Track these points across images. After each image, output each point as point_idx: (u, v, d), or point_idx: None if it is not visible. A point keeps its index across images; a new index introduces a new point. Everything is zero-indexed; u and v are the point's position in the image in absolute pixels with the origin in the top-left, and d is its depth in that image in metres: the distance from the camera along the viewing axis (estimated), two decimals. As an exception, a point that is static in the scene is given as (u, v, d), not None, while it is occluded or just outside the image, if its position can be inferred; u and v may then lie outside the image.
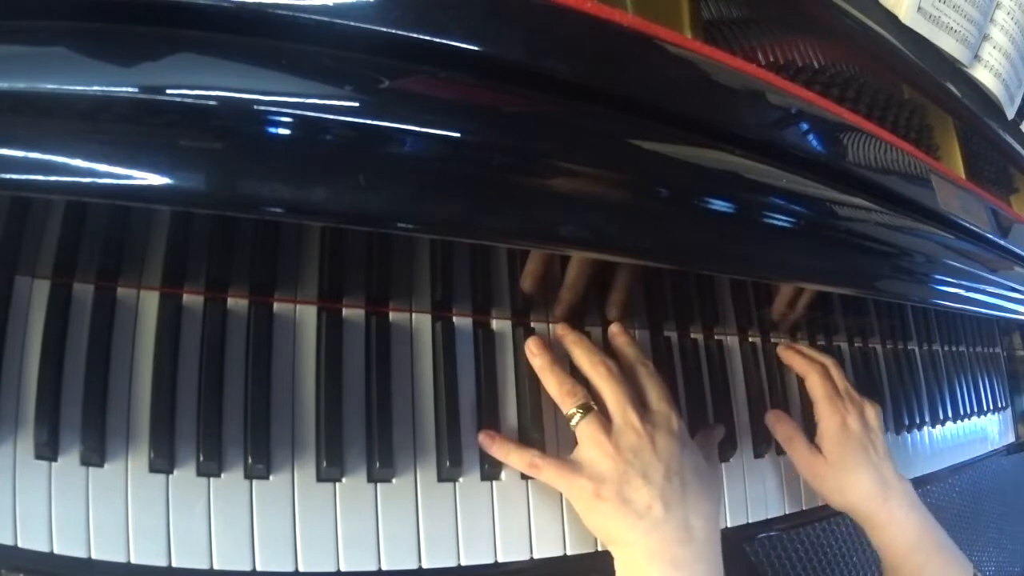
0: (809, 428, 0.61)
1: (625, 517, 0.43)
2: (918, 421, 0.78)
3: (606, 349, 0.52)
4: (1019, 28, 0.59)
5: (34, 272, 0.37)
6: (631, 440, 0.45)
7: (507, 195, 0.31)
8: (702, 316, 0.60)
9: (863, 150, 0.48)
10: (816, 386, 0.61)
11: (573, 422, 0.46)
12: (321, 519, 0.41)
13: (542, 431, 0.48)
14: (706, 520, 0.45)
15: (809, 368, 0.62)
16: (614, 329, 0.52)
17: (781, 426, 0.60)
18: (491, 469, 0.46)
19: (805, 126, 0.44)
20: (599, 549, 0.48)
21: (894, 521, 0.56)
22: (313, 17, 0.27)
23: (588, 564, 0.47)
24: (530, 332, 0.50)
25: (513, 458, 0.45)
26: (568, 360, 0.50)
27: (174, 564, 0.37)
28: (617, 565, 0.45)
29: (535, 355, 0.48)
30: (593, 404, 0.46)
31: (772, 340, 0.66)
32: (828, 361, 0.63)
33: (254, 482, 0.39)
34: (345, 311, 0.44)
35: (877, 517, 0.56)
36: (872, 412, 0.60)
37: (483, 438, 0.46)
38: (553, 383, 0.47)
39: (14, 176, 0.24)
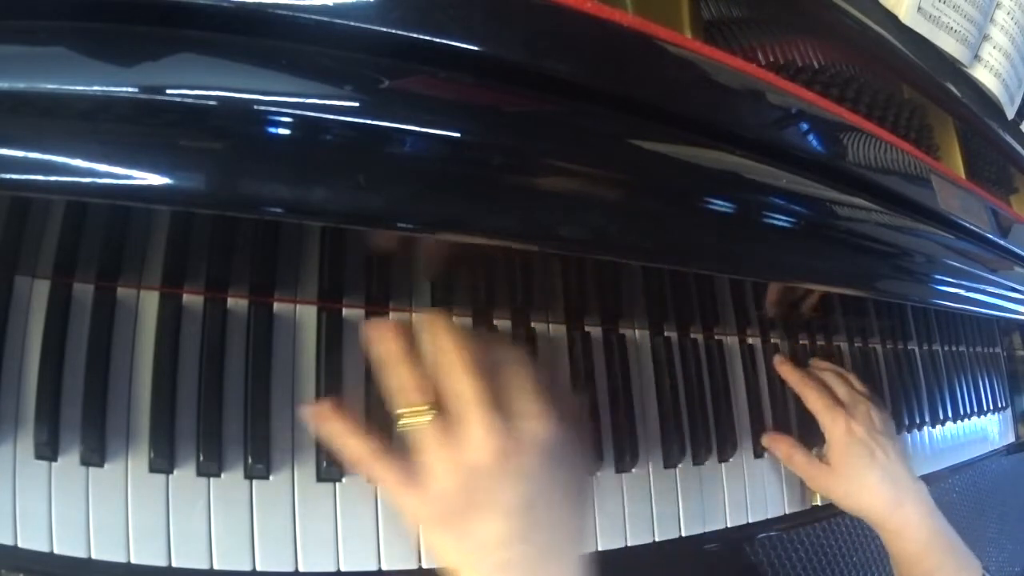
0: (813, 429, 0.61)
1: (467, 552, 0.35)
2: (918, 421, 0.78)
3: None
4: (1019, 28, 0.59)
5: (34, 272, 0.37)
6: (481, 457, 0.35)
7: (507, 195, 0.31)
8: (702, 316, 0.60)
9: (863, 150, 0.47)
10: (813, 400, 0.60)
11: (409, 421, 0.36)
12: (321, 519, 0.41)
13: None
14: (571, 548, 0.38)
15: (803, 384, 0.61)
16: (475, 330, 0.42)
17: (779, 445, 0.60)
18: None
19: (805, 126, 0.44)
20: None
21: (908, 526, 0.55)
22: (313, 17, 0.27)
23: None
24: (530, 332, 0.50)
25: (351, 444, 0.36)
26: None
27: (174, 564, 0.37)
28: None
29: (384, 340, 0.37)
30: (440, 405, 0.36)
31: (772, 340, 0.66)
32: (824, 375, 0.62)
33: (254, 482, 0.39)
34: (345, 311, 0.44)
35: (890, 523, 0.56)
36: (877, 414, 0.59)
37: (323, 408, 0.37)
38: (399, 374, 0.37)
39: (14, 176, 0.24)
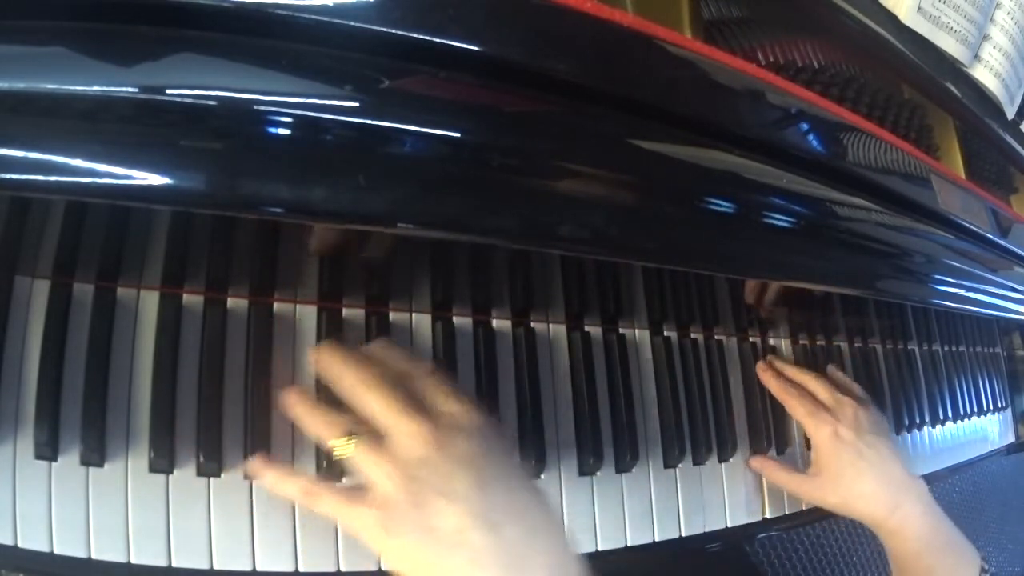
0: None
1: (434, 551, 0.33)
2: (918, 421, 0.78)
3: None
4: (1019, 28, 0.59)
5: (34, 272, 0.37)
6: (415, 450, 0.34)
7: (507, 195, 0.31)
8: (702, 316, 0.60)
9: (863, 150, 0.48)
10: (795, 408, 0.59)
11: (341, 452, 0.36)
12: (321, 519, 0.40)
13: (542, 431, 0.48)
14: (554, 533, 0.36)
15: (784, 392, 0.60)
16: (372, 346, 0.41)
17: (763, 468, 0.59)
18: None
19: (805, 126, 0.44)
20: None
21: (906, 526, 0.54)
22: (313, 17, 0.27)
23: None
24: (530, 332, 0.50)
25: (287, 487, 0.37)
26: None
27: (174, 564, 0.37)
28: None
29: (292, 405, 0.38)
30: (361, 427, 0.36)
31: (771, 340, 0.66)
32: (805, 379, 0.61)
33: (254, 482, 0.39)
34: (345, 311, 0.44)
35: (887, 524, 0.55)
36: (865, 414, 0.58)
37: (254, 465, 0.38)
38: (312, 424, 0.37)
39: (14, 176, 0.24)
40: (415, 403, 0.37)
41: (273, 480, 0.37)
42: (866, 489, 0.55)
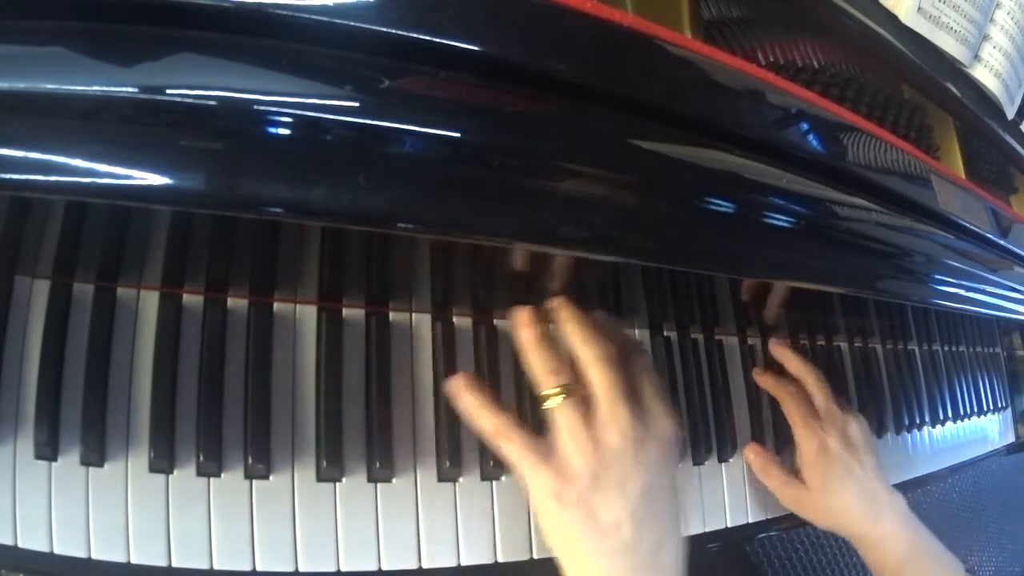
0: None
1: (587, 532, 0.36)
2: (918, 421, 0.78)
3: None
4: (1019, 28, 0.59)
5: (34, 272, 0.37)
6: (614, 439, 0.38)
7: (507, 195, 0.31)
8: (702, 316, 0.60)
9: (863, 150, 0.48)
10: (791, 411, 0.59)
11: (551, 403, 0.39)
12: (321, 519, 0.41)
13: (542, 431, 0.48)
14: (676, 553, 0.39)
15: (782, 393, 0.60)
16: (598, 315, 0.44)
17: (756, 460, 0.58)
18: (492, 469, 0.46)
19: (805, 126, 0.44)
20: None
21: (886, 538, 0.54)
22: (313, 17, 0.27)
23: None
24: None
25: (485, 417, 0.39)
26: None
27: (174, 564, 0.37)
28: None
29: (522, 327, 0.41)
30: (579, 388, 0.39)
31: (772, 339, 0.66)
32: (808, 376, 0.60)
33: (254, 482, 0.39)
34: (345, 311, 0.44)
35: (868, 537, 0.55)
36: (855, 427, 0.58)
37: (456, 383, 0.39)
38: (536, 359, 0.40)
39: (14, 176, 0.24)
40: (633, 392, 0.40)
41: (471, 405, 0.39)
42: (848, 502, 0.55)
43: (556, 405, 0.38)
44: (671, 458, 0.41)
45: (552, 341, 0.41)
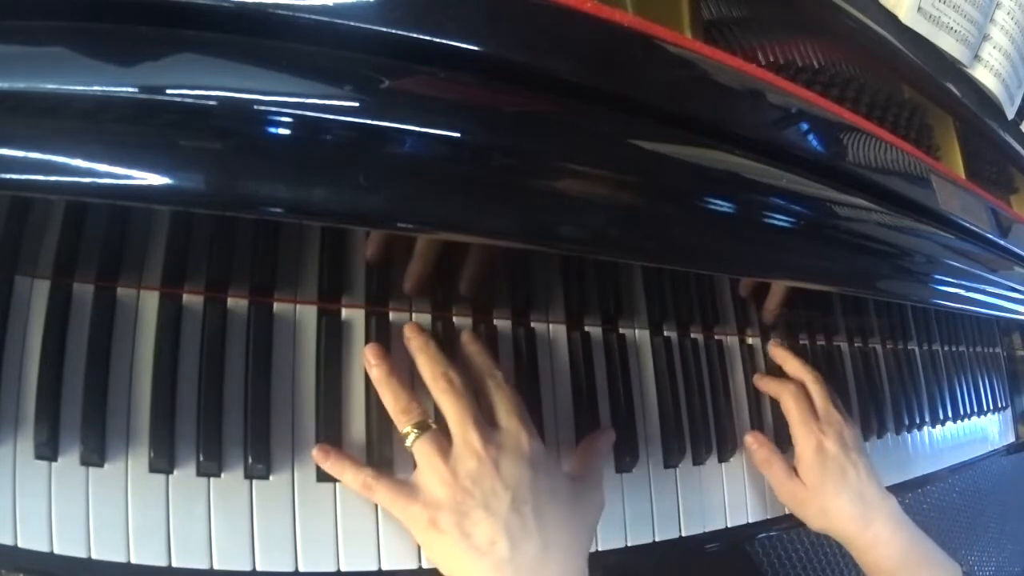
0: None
1: (466, 553, 0.38)
2: (918, 421, 0.78)
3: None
4: (1019, 28, 0.59)
5: (34, 272, 0.37)
6: (470, 465, 0.40)
7: (507, 195, 0.31)
8: (702, 316, 0.60)
9: (863, 150, 0.48)
10: (791, 410, 0.59)
11: (408, 442, 0.41)
12: (321, 519, 0.41)
13: (542, 431, 0.48)
14: (566, 552, 0.41)
15: (783, 391, 0.60)
16: (464, 337, 0.47)
17: (759, 449, 0.59)
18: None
19: (805, 126, 0.44)
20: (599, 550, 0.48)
21: (878, 542, 0.55)
22: (313, 17, 0.27)
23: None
24: (530, 332, 0.50)
25: (348, 476, 0.40)
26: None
27: (174, 564, 0.37)
28: None
29: (372, 365, 0.42)
30: (432, 422, 0.41)
31: (772, 340, 0.66)
32: (807, 377, 0.61)
33: (254, 482, 0.39)
34: (345, 311, 0.44)
35: (860, 539, 0.55)
36: (850, 432, 0.58)
37: (317, 452, 0.41)
38: (389, 397, 0.41)
39: (14, 176, 0.24)
40: (482, 414, 0.42)
41: (337, 467, 0.40)
42: (842, 504, 0.55)
43: (412, 443, 0.41)
44: (538, 469, 0.41)
45: (400, 373, 0.43)
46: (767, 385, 0.62)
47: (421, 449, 0.40)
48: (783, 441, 0.61)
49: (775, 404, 0.62)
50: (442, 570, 0.40)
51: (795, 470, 0.58)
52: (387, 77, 0.28)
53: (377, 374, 0.42)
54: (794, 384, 0.60)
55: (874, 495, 0.57)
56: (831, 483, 0.56)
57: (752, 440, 0.59)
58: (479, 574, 0.38)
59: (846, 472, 0.56)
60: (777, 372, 0.63)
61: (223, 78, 0.26)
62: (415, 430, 0.41)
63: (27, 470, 0.35)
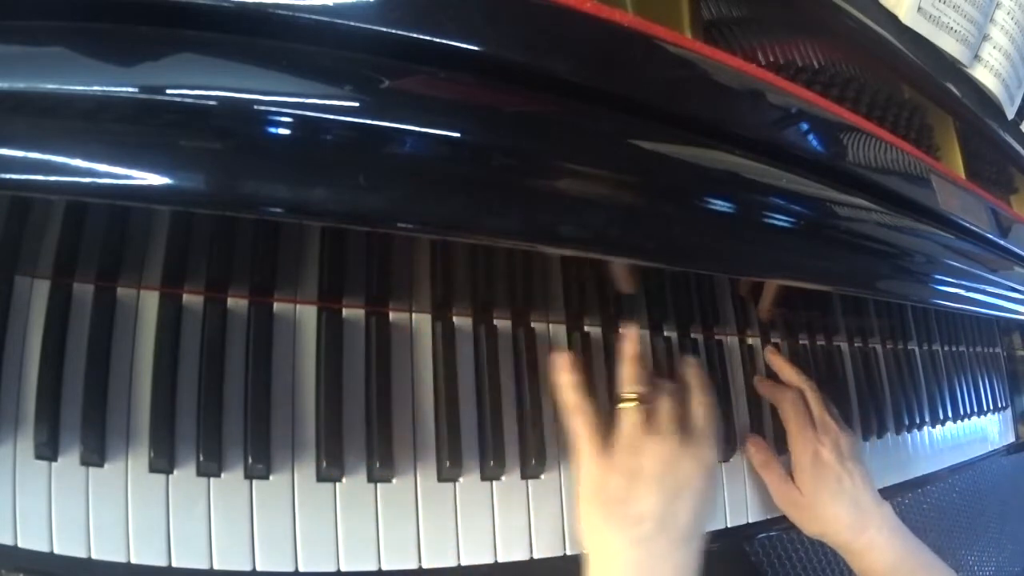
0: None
1: (616, 516, 0.43)
2: (918, 421, 0.78)
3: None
4: (1019, 28, 0.59)
5: (34, 272, 0.37)
6: (663, 450, 0.45)
7: (507, 195, 0.31)
8: (702, 316, 0.60)
9: (863, 150, 0.47)
10: (789, 419, 0.59)
11: (623, 404, 0.46)
12: (321, 519, 0.41)
13: (541, 432, 0.48)
14: (695, 545, 0.45)
15: (781, 398, 0.60)
16: (688, 358, 0.54)
17: (757, 453, 0.59)
18: (491, 469, 0.46)
19: (805, 126, 0.44)
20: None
21: (873, 548, 0.55)
22: (313, 17, 0.27)
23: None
24: (530, 332, 0.50)
25: (569, 393, 0.46)
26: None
27: (174, 564, 0.37)
28: (590, 560, 0.43)
29: (627, 341, 0.49)
30: (650, 399, 0.47)
31: (772, 340, 0.66)
32: (804, 385, 0.61)
33: (254, 482, 0.39)
34: (345, 311, 0.44)
35: (855, 545, 0.56)
36: (846, 441, 0.59)
37: (558, 361, 0.47)
38: (628, 369, 0.47)
39: (14, 176, 0.24)
40: (686, 411, 0.48)
41: (568, 382, 0.46)
42: (837, 512, 0.56)
43: (627, 407, 0.46)
44: (704, 482, 0.46)
45: (644, 361, 0.50)
46: (767, 390, 0.62)
47: (631, 415, 0.46)
48: (782, 442, 0.61)
49: (774, 406, 0.62)
50: (586, 521, 0.44)
51: (792, 476, 0.58)
52: (387, 77, 0.28)
53: (628, 350, 0.48)
54: (792, 392, 0.60)
55: (869, 502, 0.57)
56: (826, 490, 0.56)
57: (751, 444, 0.59)
58: (618, 539, 0.42)
59: (841, 480, 0.57)
60: (776, 375, 0.63)
61: (223, 78, 0.26)
62: (636, 399, 0.46)
63: (27, 470, 0.35)
